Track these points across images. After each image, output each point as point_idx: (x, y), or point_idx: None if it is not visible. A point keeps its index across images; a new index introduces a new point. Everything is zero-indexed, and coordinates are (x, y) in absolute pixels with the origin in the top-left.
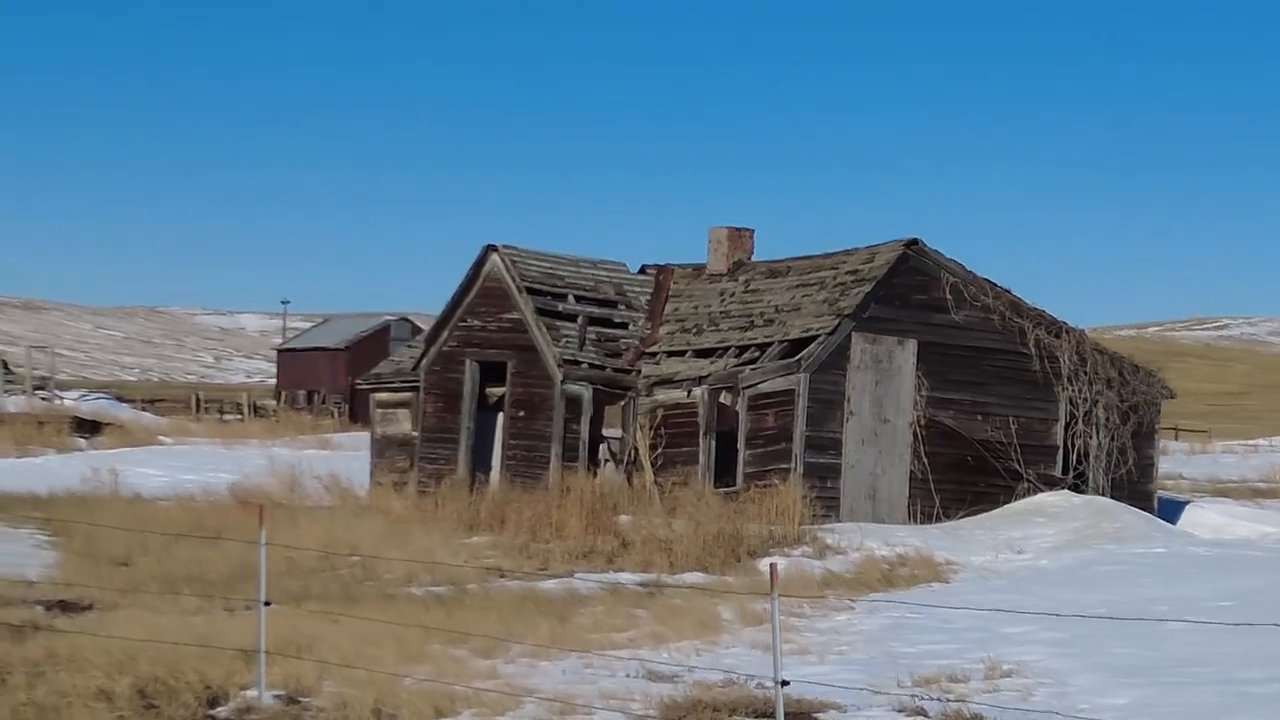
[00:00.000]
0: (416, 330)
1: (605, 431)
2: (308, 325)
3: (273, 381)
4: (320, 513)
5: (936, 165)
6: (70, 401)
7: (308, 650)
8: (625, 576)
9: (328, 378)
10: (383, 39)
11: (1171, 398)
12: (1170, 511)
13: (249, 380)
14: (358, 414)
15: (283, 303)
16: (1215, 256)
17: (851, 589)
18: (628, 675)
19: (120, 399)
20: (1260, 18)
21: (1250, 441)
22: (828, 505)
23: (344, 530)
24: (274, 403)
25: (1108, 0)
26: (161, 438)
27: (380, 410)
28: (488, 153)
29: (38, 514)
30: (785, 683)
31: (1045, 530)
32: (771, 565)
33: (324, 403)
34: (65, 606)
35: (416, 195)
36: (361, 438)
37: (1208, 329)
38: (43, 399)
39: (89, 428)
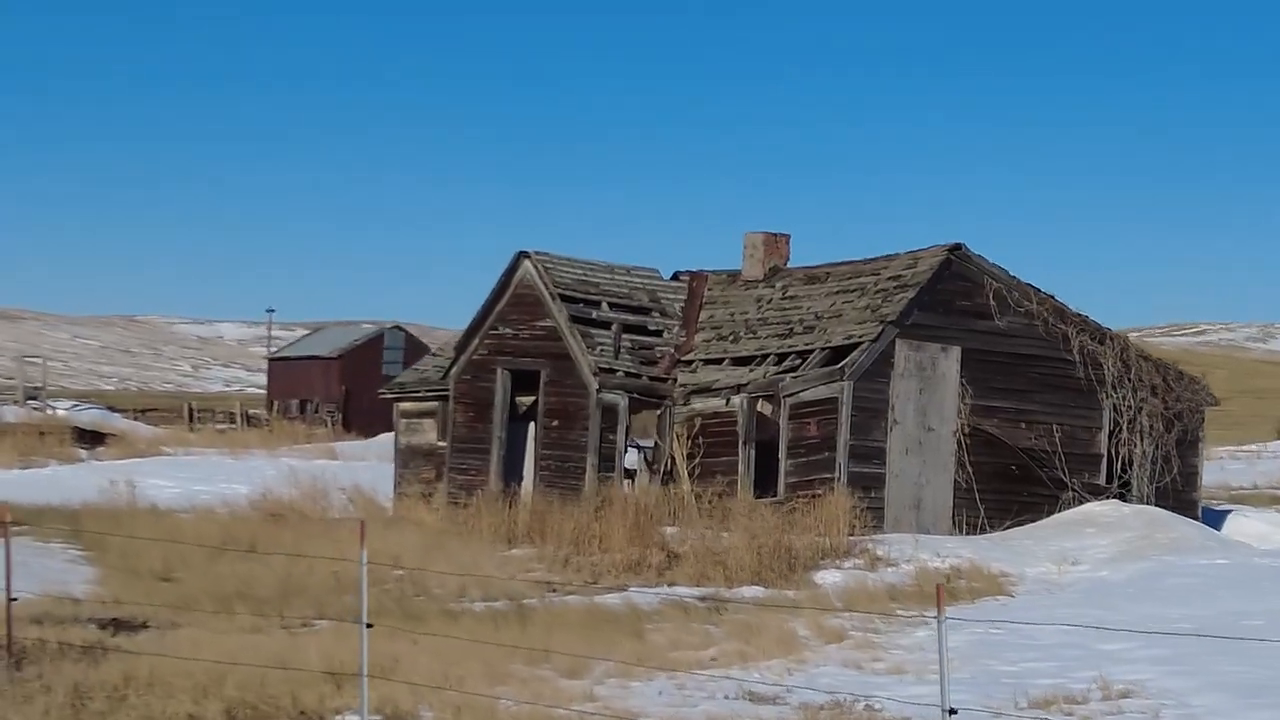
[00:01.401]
0: (411, 339)
1: (636, 440)
2: (290, 334)
3: (253, 390)
4: (349, 525)
5: (947, 171)
6: (64, 412)
7: (393, 671)
8: (682, 590)
9: (320, 386)
10: (379, 43)
11: (1216, 404)
12: (1212, 521)
13: (228, 389)
14: (351, 423)
15: (268, 311)
16: (1192, 262)
17: (916, 603)
18: (726, 697)
19: (112, 409)
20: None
21: (1245, 447)
22: (872, 516)
23: (380, 542)
24: (266, 412)
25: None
26: (165, 448)
27: (404, 420)
28: (493, 161)
29: (64, 527)
30: (954, 711)
31: (1098, 541)
32: (939, 588)
33: (316, 412)
34: (120, 625)
35: (403, 203)
36: (363, 446)
37: (1186, 335)
38: (35, 409)
39: (89, 438)
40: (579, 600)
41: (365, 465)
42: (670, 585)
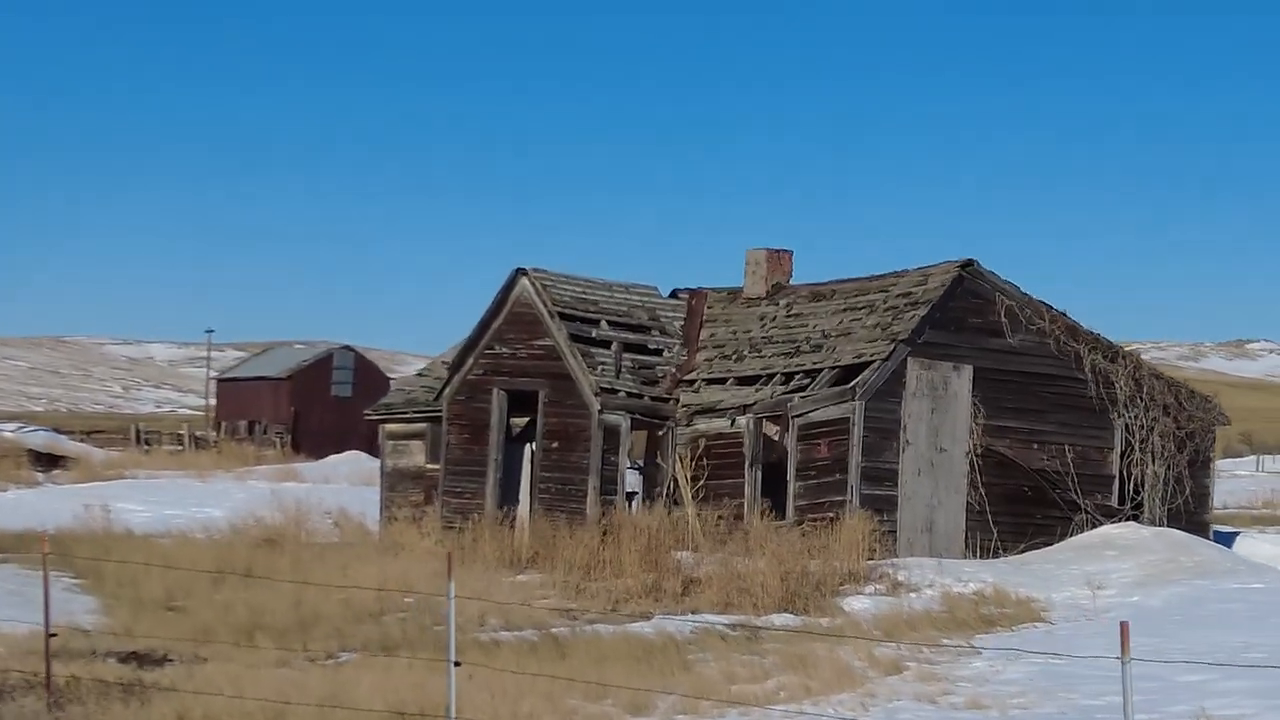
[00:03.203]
0: (361, 360)
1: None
2: (222, 355)
3: (185, 411)
4: (341, 550)
5: (943, 187)
6: (10, 434)
7: (461, 710)
8: (711, 618)
9: (269, 408)
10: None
11: (1227, 424)
12: (1222, 543)
13: (159, 410)
14: (300, 444)
15: (207, 331)
16: (1124, 282)
17: (953, 630)
18: None
19: (58, 430)
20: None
21: None
22: (885, 539)
23: (384, 569)
24: (214, 433)
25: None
26: (129, 471)
27: (391, 442)
28: (456, 174)
29: (48, 554)
30: None
31: (1119, 564)
32: (1123, 625)
33: (265, 433)
34: (141, 659)
35: (346, 223)
36: (322, 467)
37: None
38: None
39: (45, 461)
40: (609, 629)
41: (337, 489)
42: (694, 612)
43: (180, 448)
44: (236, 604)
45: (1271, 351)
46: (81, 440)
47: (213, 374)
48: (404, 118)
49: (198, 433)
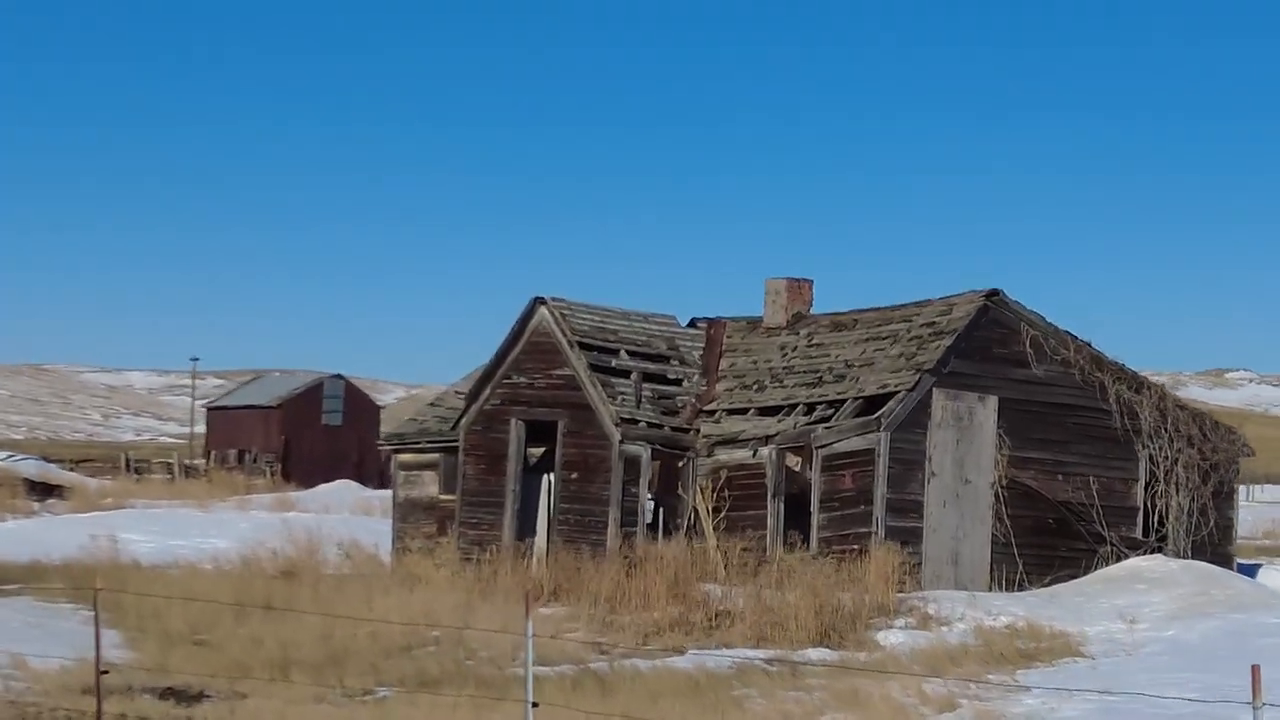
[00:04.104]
0: (351, 388)
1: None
2: (202, 383)
3: (165, 439)
4: (358, 582)
5: (960, 220)
6: (2, 463)
7: None
8: (747, 653)
9: (260, 436)
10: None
11: (1252, 455)
12: (1245, 575)
13: (138, 438)
14: (291, 472)
15: (192, 359)
16: (1103, 312)
17: (994, 665)
18: None
19: (46, 459)
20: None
21: None
22: (911, 571)
23: (406, 601)
24: (204, 462)
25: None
26: (132, 501)
27: (403, 472)
28: (445, 205)
29: (58, 585)
30: None
31: (1151, 598)
32: (1254, 669)
33: (255, 461)
34: (178, 695)
35: (329, 251)
36: (317, 495)
37: None
38: None
39: (40, 490)
40: (646, 664)
41: (340, 519)
42: (727, 646)
43: (170, 476)
44: (264, 638)
45: (1251, 380)
46: (71, 469)
47: (199, 402)
48: (394, 143)
49: (187, 461)
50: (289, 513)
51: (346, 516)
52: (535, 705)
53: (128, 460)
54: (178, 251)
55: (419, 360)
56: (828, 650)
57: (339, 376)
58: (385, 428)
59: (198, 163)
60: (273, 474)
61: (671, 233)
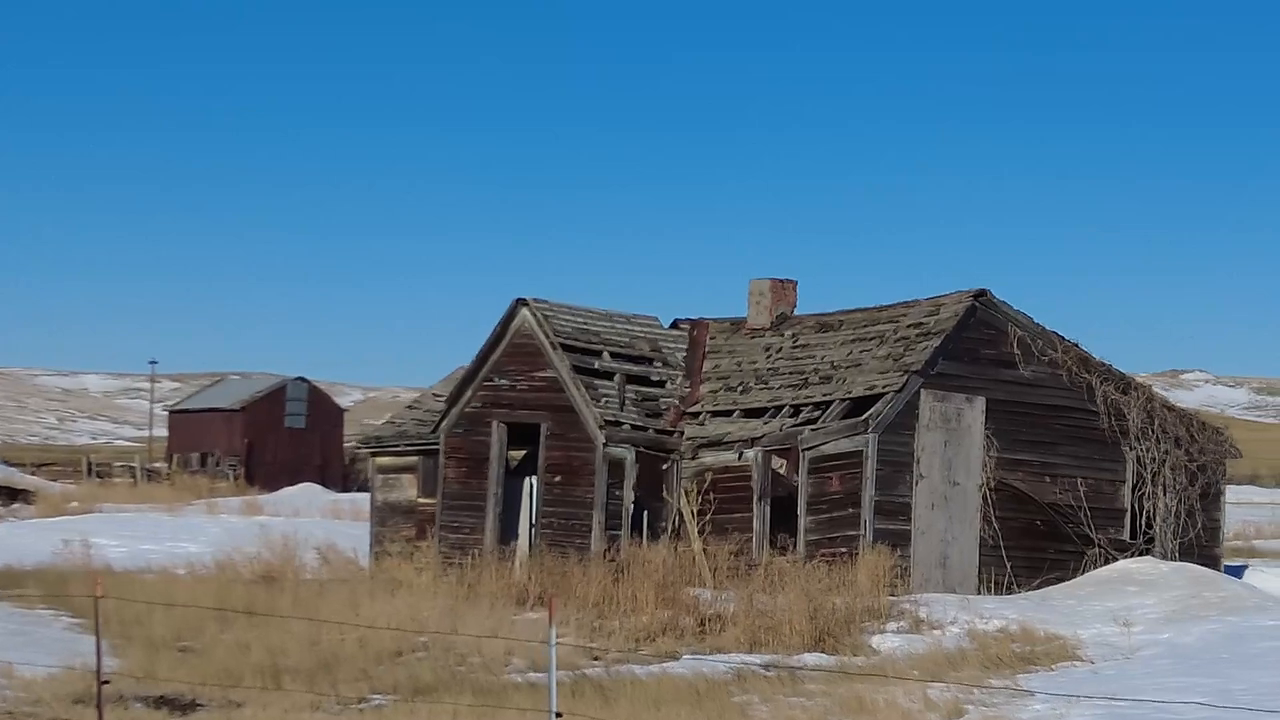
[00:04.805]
0: (315, 391)
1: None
2: (158, 386)
3: (121, 443)
4: (340, 587)
5: (939, 222)
6: None
7: None
8: (744, 658)
9: (222, 439)
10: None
11: (1239, 456)
12: (1232, 576)
13: (94, 441)
14: (254, 476)
15: (150, 363)
16: (1058, 313)
17: (994, 670)
18: None
19: (7, 462)
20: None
21: None
22: (900, 575)
23: (384, 607)
24: (166, 465)
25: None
26: (98, 505)
27: (381, 476)
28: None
29: (34, 592)
30: None
31: (1143, 600)
32: None
33: (218, 465)
34: (171, 704)
35: (282, 255)
36: (285, 500)
37: None
38: None
39: (5, 495)
40: (642, 670)
41: (312, 522)
42: (720, 651)
43: (133, 480)
44: (250, 644)
45: (1207, 381)
46: (33, 473)
47: (157, 405)
48: (359, 146)
49: (149, 465)
50: (258, 517)
51: (318, 520)
52: (559, 715)
53: (89, 464)
54: (133, 255)
55: (375, 363)
56: (823, 655)
57: (302, 379)
58: (347, 430)
59: (154, 166)
60: (236, 477)
61: (651, 233)
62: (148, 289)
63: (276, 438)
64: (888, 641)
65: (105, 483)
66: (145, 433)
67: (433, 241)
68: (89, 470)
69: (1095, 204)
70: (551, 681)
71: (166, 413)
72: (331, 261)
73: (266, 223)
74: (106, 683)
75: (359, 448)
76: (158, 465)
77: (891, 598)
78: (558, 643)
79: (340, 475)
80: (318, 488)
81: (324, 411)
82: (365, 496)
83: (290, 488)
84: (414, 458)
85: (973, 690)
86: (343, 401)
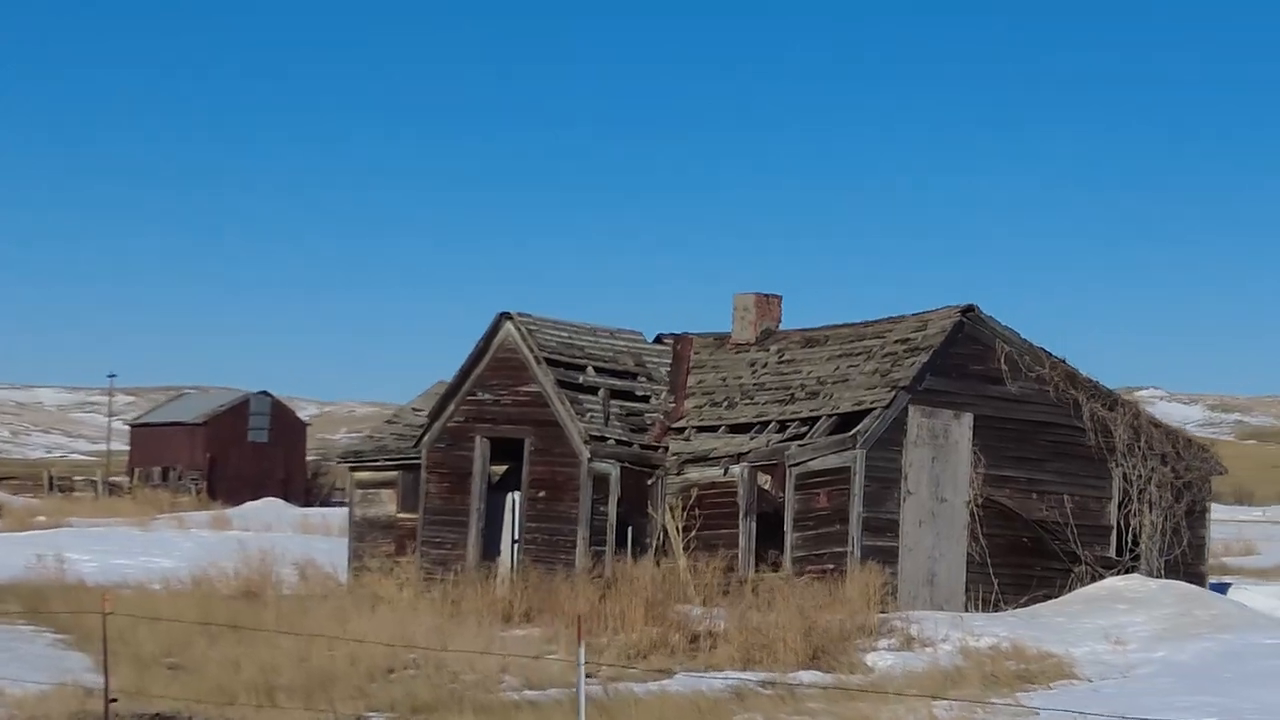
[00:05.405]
0: (278, 405)
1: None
2: (114, 400)
3: (76, 457)
4: (321, 603)
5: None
6: None
7: None
8: (740, 676)
9: (185, 453)
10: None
11: (1224, 473)
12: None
13: (49, 455)
14: (216, 490)
15: (109, 376)
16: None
17: (992, 688)
18: None
19: None
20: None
21: None
22: (890, 592)
23: (370, 623)
24: (127, 479)
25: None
26: (66, 519)
27: (360, 490)
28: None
29: (15, 608)
30: None
31: (1133, 618)
32: None
33: (180, 479)
34: None
35: (244, 266)
36: (252, 515)
37: None
38: None
39: None
40: (640, 688)
41: (285, 537)
42: (715, 669)
43: (94, 494)
44: (239, 660)
45: (1161, 399)
46: None
47: (117, 419)
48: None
49: (111, 479)
50: (231, 531)
51: (291, 535)
52: None
53: (51, 478)
54: (89, 269)
55: (331, 378)
56: (819, 673)
57: (265, 393)
58: (313, 444)
59: (110, 177)
60: (198, 491)
61: (633, 247)
62: (104, 303)
63: (239, 452)
64: (882, 659)
65: (68, 497)
66: (100, 446)
67: (394, 253)
68: (50, 485)
69: (1049, 215)
70: (580, 700)
71: (127, 427)
72: (288, 274)
73: (222, 232)
74: (114, 700)
75: (323, 461)
76: (119, 479)
77: (881, 615)
78: (550, 659)
79: (303, 489)
80: (281, 502)
81: (287, 425)
82: (335, 511)
83: (253, 502)
84: (394, 472)
85: (976, 709)
86: (302, 416)
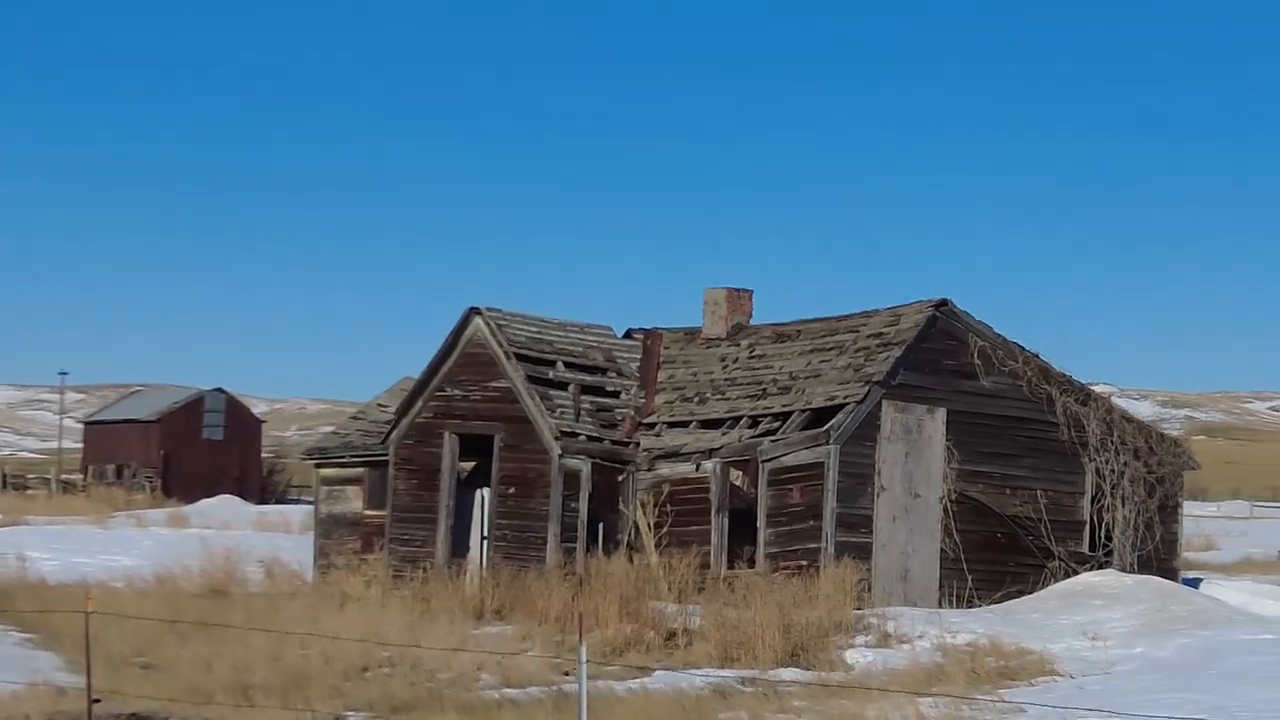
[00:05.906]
0: (233, 402)
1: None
2: (64, 397)
3: (24, 455)
4: (290, 601)
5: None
6: None
7: None
8: (719, 673)
9: (139, 451)
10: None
11: (1197, 468)
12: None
13: None
14: (170, 487)
15: (60, 374)
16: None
17: (974, 685)
18: None
19: None
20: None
21: None
22: (864, 588)
23: (340, 621)
24: (80, 477)
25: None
26: (23, 517)
27: (326, 487)
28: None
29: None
30: None
31: (1109, 614)
32: None
33: (135, 476)
34: None
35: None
36: (209, 512)
37: None
38: None
39: None
40: (620, 686)
41: (244, 535)
42: (693, 667)
43: (48, 492)
44: (212, 660)
45: (1113, 395)
46: None
47: (70, 417)
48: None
49: (65, 476)
50: (188, 529)
51: (250, 532)
52: None
53: (4, 476)
54: (39, 266)
55: (282, 375)
56: (799, 670)
57: (220, 390)
58: (265, 441)
59: (56, 176)
60: (153, 489)
61: (602, 242)
62: (55, 301)
63: (194, 449)
64: (862, 656)
65: (22, 495)
66: (50, 444)
67: (355, 252)
68: (4, 482)
69: (1004, 213)
70: (582, 700)
71: (80, 424)
72: (239, 272)
73: (171, 231)
74: (98, 700)
75: (278, 459)
76: (73, 477)
77: (857, 611)
78: (529, 655)
79: (259, 486)
80: (238, 499)
81: (242, 422)
82: (294, 508)
83: (210, 499)
84: (360, 469)
85: (962, 706)
86: (254, 412)
